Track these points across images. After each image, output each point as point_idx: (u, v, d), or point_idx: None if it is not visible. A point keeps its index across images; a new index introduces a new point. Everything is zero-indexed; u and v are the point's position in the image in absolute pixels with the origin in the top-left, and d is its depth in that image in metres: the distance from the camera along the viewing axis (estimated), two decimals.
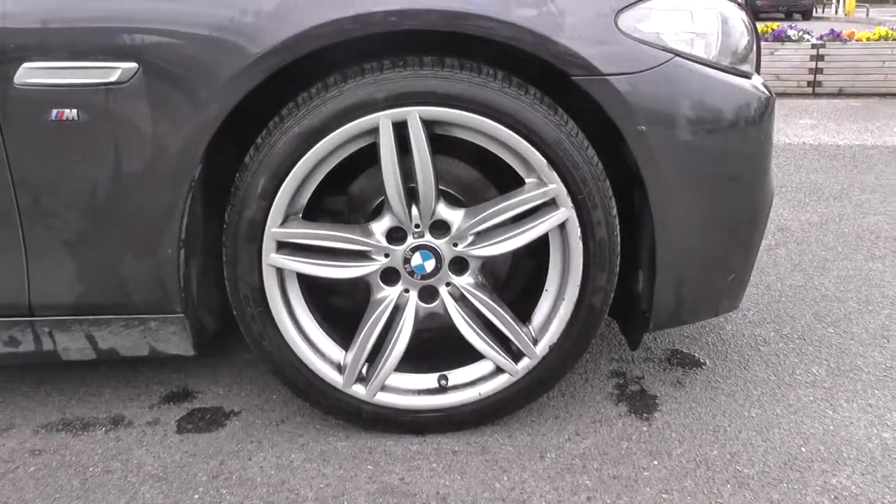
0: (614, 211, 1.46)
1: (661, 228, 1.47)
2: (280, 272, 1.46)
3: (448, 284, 1.50)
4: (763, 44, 6.01)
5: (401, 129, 1.38)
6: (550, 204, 1.43)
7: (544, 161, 1.40)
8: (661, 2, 1.47)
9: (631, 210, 1.54)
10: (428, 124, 1.39)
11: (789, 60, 5.91)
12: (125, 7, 1.34)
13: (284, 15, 1.33)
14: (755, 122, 1.52)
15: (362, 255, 1.47)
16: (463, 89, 1.37)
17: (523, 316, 1.54)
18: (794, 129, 4.87)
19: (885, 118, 5.09)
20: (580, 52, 1.37)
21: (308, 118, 1.37)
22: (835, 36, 5.91)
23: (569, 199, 1.42)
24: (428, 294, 1.51)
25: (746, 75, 1.55)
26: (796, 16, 20.28)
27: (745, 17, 1.65)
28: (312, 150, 1.38)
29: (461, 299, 1.51)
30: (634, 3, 1.43)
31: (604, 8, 1.41)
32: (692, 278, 1.54)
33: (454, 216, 1.46)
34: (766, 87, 1.59)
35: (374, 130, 1.38)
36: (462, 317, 1.50)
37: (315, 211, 1.54)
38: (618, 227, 1.47)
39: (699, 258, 1.54)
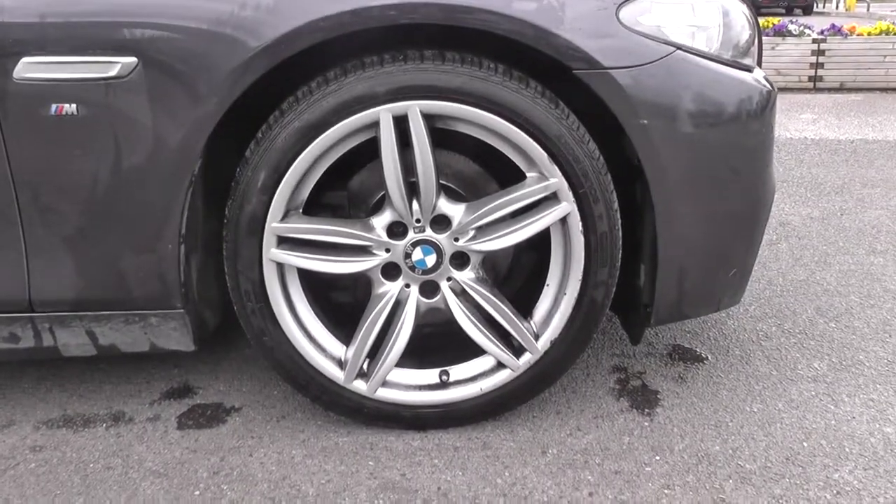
0: (616, 205, 1.45)
1: (663, 222, 1.46)
2: (281, 267, 1.46)
3: (449, 279, 1.50)
4: (764, 39, 5.98)
5: (401, 123, 1.38)
6: (552, 198, 1.43)
7: (545, 155, 1.39)
8: None
9: (633, 204, 1.53)
10: (428, 118, 1.38)
11: (790, 55, 5.89)
12: (124, 1, 1.33)
13: (284, 9, 1.32)
14: (757, 115, 1.51)
15: (363, 250, 1.47)
16: (464, 83, 1.36)
17: (524, 310, 1.54)
18: (794, 123, 4.86)
19: (885, 113, 5.08)
20: (581, 46, 1.36)
21: (308, 112, 1.36)
22: (836, 31, 5.89)
23: (570, 194, 1.41)
24: (429, 289, 1.51)
25: (748, 69, 1.54)
26: (797, 11, 20.21)
27: (747, 11, 1.64)
28: (313, 144, 1.37)
29: (462, 294, 1.50)
30: None
31: (605, 1, 1.40)
32: (694, 272, 1.54)
33: (455, 211, 1.46)
34: (767, 80, 1.59)
35: (375, 125, 1.38)
36: (463, 312, 1.50)
37: (316, 206, 1.54)
38: (619, 222, 1.46)
39: (701, 252, 1.53)
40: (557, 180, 1.40)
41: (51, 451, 1.53)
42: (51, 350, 1.51)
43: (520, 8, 1.35)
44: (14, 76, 1.32)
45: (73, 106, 1.34)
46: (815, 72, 5.87)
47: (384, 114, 1.36)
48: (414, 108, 1.36)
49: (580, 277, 1.46)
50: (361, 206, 1.59)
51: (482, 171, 1.59)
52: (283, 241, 1.44)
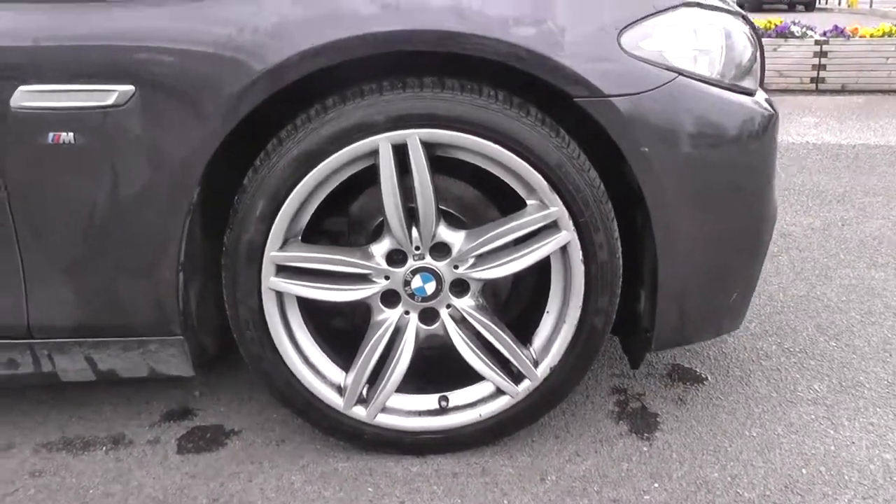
0: (616, 233, 1.44)
1: (664, 248, 1.45)
2: (280, 295, 1.45)
3: (449, 306, 1.49)
4: (766, 40, 5.96)
5: (401, 150, 1.37)
6: (552, 226, 1.42)
7: (546, 184, 1.38)
8: (664, 19, 1.44)
9: (633, 227, 1.53)
10: (428, 146, 1.38)
11: (792, 57, 5.87)
12: (121, 29, 1.32)
13: (283, 35, 1.31)
14: (758, 140, 1.50)
15: (362, 278, 1.46)
16: (464, 111, 1.35)
17: (524, 334, 1.53)
18: (797, 127, 4.84)
19: (888, 116, 5.06)
20: (583, 74, 1.35)
21: (306, 141, 1.35)
22: (838, 32, 5.87)
23: (570, 222, 1.41)
24: (428, 316, 1.50)
25: (750, 92, 1.53)
26: (799, 7, 20.12)
27: (748, 31, 1.63)
28: (311, 173, 1.36)
29: (462, 321, 1.50)
30: (637, 20, 1.41)
31: (607, 26, 1.39)
32: (694, 298, 1.53)
33: (455, 238, 1.45)
34: (769, 103, 1.58)
35: (374, 153, 1.37)
36: (463, 339, 1.50)
37: (315, 232, 1.53)
38: (620, 250, 1.46)
39: (702, 278, 1.52)
40: (558, 209, 1.40)
41: (50, 476, 1.52)
42: (49, 375, 1.51)
43: (521, 34, 1.34)
44: (11, 104, 1.32)
45: (71, 134, 1.33)
46: (818, 73, 5.85)
47: (383, 143, 1.35)
48: (413, 137, 1.35)
49: (580, 305, 1.46)
50: (361, 231, 1.58)
51: (482, 196, 1.58)
52: (282, 269, 1.43)
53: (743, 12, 1.77)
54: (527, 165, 1.37)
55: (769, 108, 1.55)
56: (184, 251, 1.41)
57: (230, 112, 1.32)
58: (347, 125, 1.35)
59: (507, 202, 1.50)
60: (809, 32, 5.95)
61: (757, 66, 1.66)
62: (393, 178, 1.37)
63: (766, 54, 5.37)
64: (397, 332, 1.50)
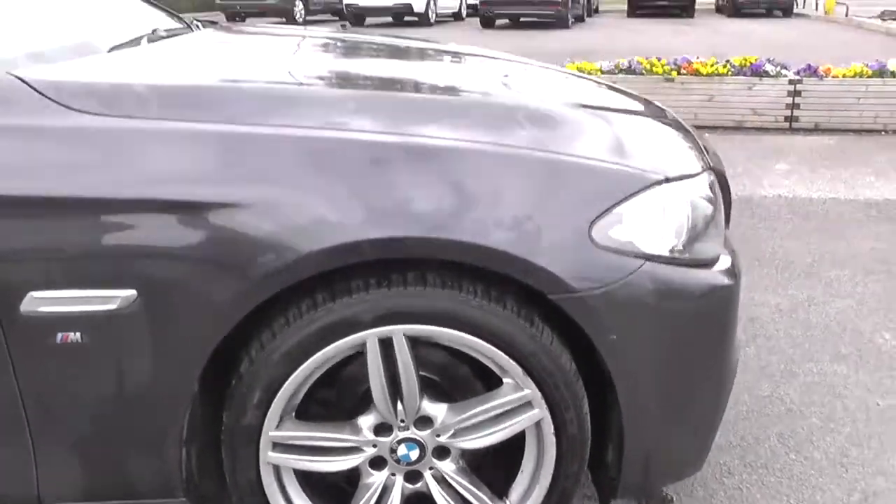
0: (586, 408, 1.57)
1: (629, 419, 1.57)
2: (277, 466, 1.57)
3: (431, 468, 1.61)
4: (741, 78, 6.10)
5: (387, 340, 1.48)
6: (526, 404, 1.54)
7: (521, 370, 1.50)
8: (635, 202, 1.51)
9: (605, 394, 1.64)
10: (412, 338, 1.49)
11: (767, 95, 6.01)
12: (123, 239, 1.41)
13: (276, 244, 1.41)
14: (719, 310, 1.62)
15: (352, 449, 1.58)
16: (445, 308, 1.46)
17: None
18: (769, 176, 4.98)
19: (857, 163, 5.21)
20: (556, 273, 1.45)
21: (298, 335, 1.46)
22: (811, 72, 6.02)
23: (543, 402, 1.53)
24: (413, 475, 1.62)
25: (713, 262, 1.62)
26: (777, 12, 20.37)
27: (712, 185, 1.73)
28: (304, 365, 1.47)
29: (443, 481, 1.62)
30: (608, 209, 1.50)
31: (579, 221, 1.47)
32: (658, 453, 1.66)
33: (438, 411, 1.57)
34: (733, 266, 1.65)
35: (362, 343, 1.48)
36: (444, 497, 1.62)
37: (306, 398, 1.63)
38: (589, 422, 1.58)
39: (665, 437, 1.65)
40: (531, 391, 1.52)
41: None
42: None
43: (496, 239, 1.43)
44: (21, 310, 1.40)
45: (78, 334, 1.43)
46: (791, 112, 6.01)
47: (371, 339, 1.46)
48: (398, 333, 1.47)
49: (551, 472, 1.58)
50: (350, 397, 1.68)
51: (459, 362, 1.69)
52: (279, 445, 1.55)
53: (709, 160, 1.86)
54: (503, 354, 1.49)
55: (732, 273, 1.63)
56: (186, 431, 1.51)
57: (228, 315, 1.43)
58: (336, 321, 1.46)
59: (486, 373, 1.62)
60: (784, 72, 6.10)
61: (721, 217, 1.76)
62: (380, 368, 1.49)
63: (740, 94, 5.62)
64: (384, 491, 1.62)
